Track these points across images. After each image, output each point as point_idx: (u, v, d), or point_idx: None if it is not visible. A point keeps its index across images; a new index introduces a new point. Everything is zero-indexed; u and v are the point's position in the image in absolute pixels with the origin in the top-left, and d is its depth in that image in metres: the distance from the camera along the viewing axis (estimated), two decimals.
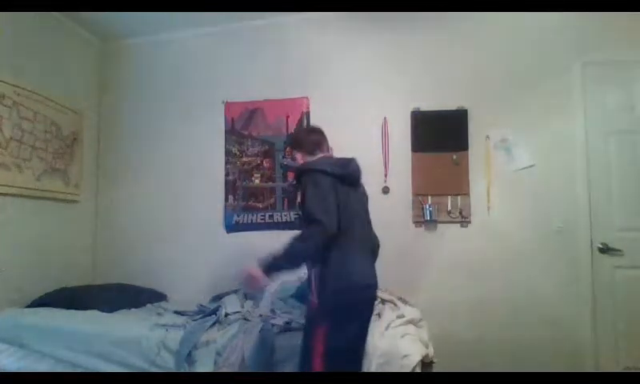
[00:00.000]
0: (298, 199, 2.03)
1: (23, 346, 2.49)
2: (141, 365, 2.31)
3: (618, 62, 2.94)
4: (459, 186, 3.08)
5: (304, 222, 1.84)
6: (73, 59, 3.51)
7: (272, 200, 3.40)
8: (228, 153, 3.50)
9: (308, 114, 3.38)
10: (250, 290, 1.85)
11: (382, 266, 3.07)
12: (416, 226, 3.14)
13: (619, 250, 2.85)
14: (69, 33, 3.48)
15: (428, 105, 3.18)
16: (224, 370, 2.22)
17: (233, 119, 3.51)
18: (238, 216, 3.43)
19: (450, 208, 3.08)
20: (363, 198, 2.16)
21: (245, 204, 3.43)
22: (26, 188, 3.00)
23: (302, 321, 2.45)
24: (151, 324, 2.51)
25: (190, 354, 2.27)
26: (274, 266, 1.83)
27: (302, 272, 3.03)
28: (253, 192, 3.43)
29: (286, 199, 3.38)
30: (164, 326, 2.48)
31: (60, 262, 3.28)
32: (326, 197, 1.83)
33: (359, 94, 3.32)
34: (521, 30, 3.09)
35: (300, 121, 3.39)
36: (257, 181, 3.43)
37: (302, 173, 1.97)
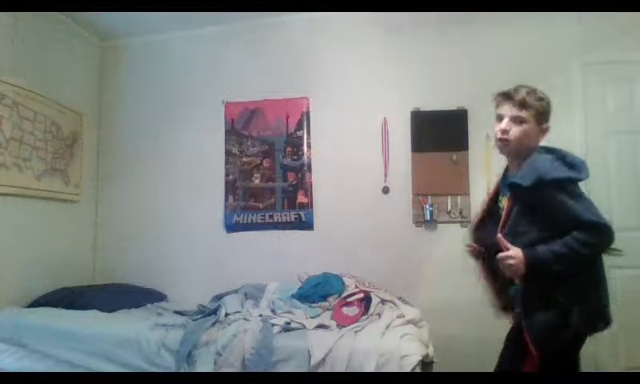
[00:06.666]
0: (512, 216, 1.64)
1: (23, 346, 2.50)
2: (141, 365, 2.31)
3: (618, 62, 2.94)
4: (459, 186, 3.08)
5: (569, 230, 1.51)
6: (73, 59, 3.51)
7: (272, 200, 3.39)
8: (228, 153, 3.50)
9: (308, 114, 3.38)
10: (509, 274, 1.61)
11: (382, 266, 3.11)
12: (416, 226, 3.14)
13: (619, 250, 2.84)
14: (69, 33, 3.48)
15: (428, 105, 3.18)
16: (224, 369, 2.22)
17: (233, 119, 3.51)
18: (238, 216, 3.43)
19: (449, 208, 3.08)
20: None
21: (245, 204, 3.43)
22: (26, 188, 2.99)
23: (302, 321, 2.46)
24: (151, 324, 2.51)
25: (190, 354, 2.27)
26: (542, 262, 1.53)
27: (303, 272, 3.07)
28: (253, 192, 3.43)
29: (285, 199, 3.38)
30: (164, 325, 2.48)
31: (60, 261, 3.27)
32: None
33: (359, 94, 3.32)
34: (521, 30, 3.08)
35: (300, 121, 3.39)
36: (257, 181, 3.44)
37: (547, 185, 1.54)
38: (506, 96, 1.69)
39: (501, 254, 1.60)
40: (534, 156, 1.64)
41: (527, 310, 1.59)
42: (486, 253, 1.84)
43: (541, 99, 1.66)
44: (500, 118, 1.70)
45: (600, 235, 1.51)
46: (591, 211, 1.53)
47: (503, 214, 1.70)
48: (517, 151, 1.68)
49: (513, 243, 1.59)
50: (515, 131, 1.64)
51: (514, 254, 1.56)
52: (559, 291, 1.55)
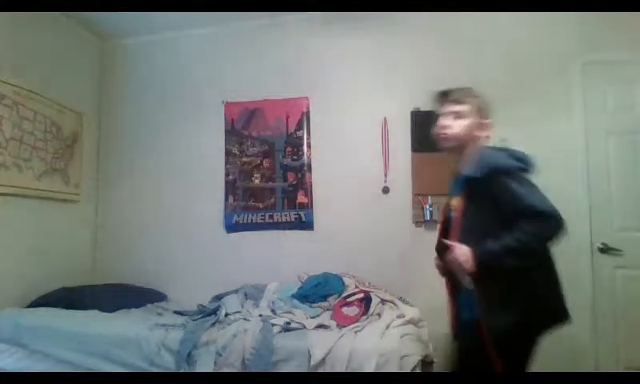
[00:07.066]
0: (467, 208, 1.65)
1: (23, 346, 2.50)
2: (141, 365, 2.31)
3: (618, 62, 2.94)
4: None
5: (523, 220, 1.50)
6: (73, 59, 3.51)
7: (272, 200, 3.39)
8: (228, 153, 3.50)
9: (308, 114, 3.38)
10: (459, 275, 1.60)
11: (382, 266, 3.11)
12: (416, 226, 3.14)
13: (619, 250, 2.85)
14: (69, 33, 3.48)
15: (428, 105, 3.17)
16: (224, 369, 2.22)
17: (233, 119, 3.51)
18: (238, 216, 3.43)
19: None
20: None
21: (245, 204, 3.43)
22: (26, 188, 2.99)
23: (302, 321, 2.46)
24: (151, 324, 2.51)
25: (190, 354, 2.27)
26: (491, 256, 1.53)
27: (302, 273, 3.07)
28: (253, 192, 3.43)
29: (285, 199, 3.38)
30: (164, 325, 2.48)
31: (60, 261, 3.28)
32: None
33: (359, 94, 3.32)
34: (521, 31, 3.08)
35: (300, 121, 3.39)
36: (257, 181, 3.44)
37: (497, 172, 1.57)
38: (444, 94, 1.79)
39: (448, 254, 1.60)
40: (482, 150, 1.68)
41: (484, 311, 1.56)
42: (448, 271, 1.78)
43: (476, 96, 1.76)
44: (440, 116, 1.79)
45: (552, 225, 1.51)
46: (542, 201, 1.53)
47: (455, 213, 1.69)
48: (459, 145, 1.74)
49: (469, 243, 1.57)
50: (455, 126, 1.73)
51: (460, 249, 1.57)
52: (515, 290, 1.55)
